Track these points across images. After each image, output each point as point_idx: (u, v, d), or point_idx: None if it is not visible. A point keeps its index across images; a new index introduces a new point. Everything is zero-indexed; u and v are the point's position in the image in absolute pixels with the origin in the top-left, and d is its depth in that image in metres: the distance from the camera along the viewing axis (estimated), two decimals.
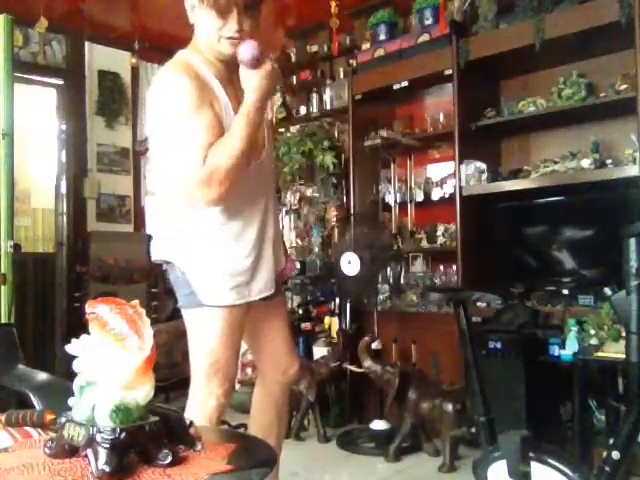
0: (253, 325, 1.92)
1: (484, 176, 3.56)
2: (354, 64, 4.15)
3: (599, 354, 2.65)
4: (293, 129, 4.63)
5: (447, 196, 3.88)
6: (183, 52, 1.78)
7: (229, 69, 1.77)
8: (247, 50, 1.66)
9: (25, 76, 4.34)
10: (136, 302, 1.12)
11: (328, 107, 4.62)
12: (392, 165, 4.16)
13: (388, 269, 3.78)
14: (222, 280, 1.74)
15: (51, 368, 3.83)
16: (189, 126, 1.64)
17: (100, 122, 4.82)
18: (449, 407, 2.96)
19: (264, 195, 1.85)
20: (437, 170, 4.15)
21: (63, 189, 4.71)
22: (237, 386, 3.85)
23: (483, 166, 3.57)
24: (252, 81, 1.67)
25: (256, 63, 1.67)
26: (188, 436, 1.13)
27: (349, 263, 3.38)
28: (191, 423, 1.16)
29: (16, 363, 2.17)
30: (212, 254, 1.76)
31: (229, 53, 1.71)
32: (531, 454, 1.59)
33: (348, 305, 3.91)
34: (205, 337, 1.76)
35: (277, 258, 1.91)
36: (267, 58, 1.69)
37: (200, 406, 1.75)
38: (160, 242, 1.84)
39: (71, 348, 1.08)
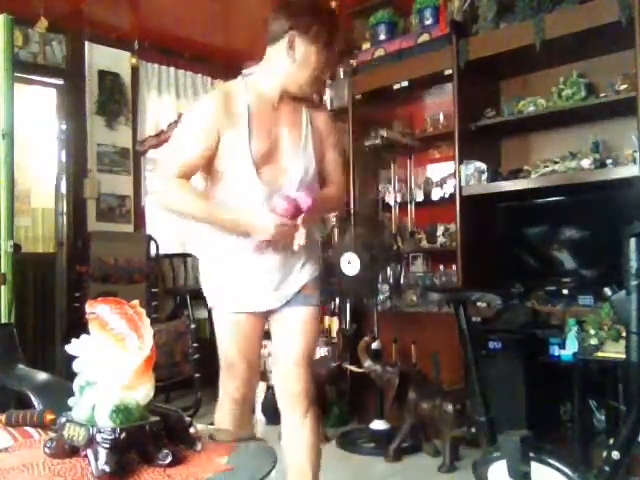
0: (275, 331, 1.97)
1: (484, 176, 3.56)
2: (354, 64, 4.15)
3: (599, 354, 2.65)
4: None
5: (447, 196, 3.88)
6: (236, 80, 1.82)
7: (279, 100, 1.77)
8: (305, 202, 1.66)
9: (25, 76, 4.32)
10: (136, 302, 1.12)
11: (328, 107, 4.60)
12: (392, 165, 4.15)
13: (388, 269, 3.77)
14: (214, 290, 1.92)
15: (51, 368, 3.82)
16: (181, 137, 1.80)
17: (100, 122, 4.80)
18: (449, 407, 2.96)
19: None
20: (437, 170, 4.16)
21: (63, 189, 4.70)
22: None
23: (483, 166, 3.57)
24: (264, 222, 1.68)
25: (294, 215, 1.67)
26: (188, 436, 1.13)
27: (349, 263, 3.37)
28: (191, 423, 1.16)
29: (16, 363, 2.16)
30: (208, 267, 1.94)
31: (311, 92, 1.72)
32: (531, 454, 1.58)
33: (348, 305, 3.91)
34: (217, 335, 1.94)
35: (285, 277, 1.88)
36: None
37: (220, 394, 1.94)
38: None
39: (71, 348, 1.08)
